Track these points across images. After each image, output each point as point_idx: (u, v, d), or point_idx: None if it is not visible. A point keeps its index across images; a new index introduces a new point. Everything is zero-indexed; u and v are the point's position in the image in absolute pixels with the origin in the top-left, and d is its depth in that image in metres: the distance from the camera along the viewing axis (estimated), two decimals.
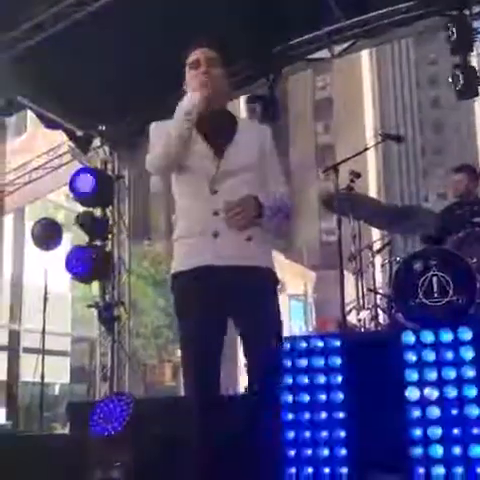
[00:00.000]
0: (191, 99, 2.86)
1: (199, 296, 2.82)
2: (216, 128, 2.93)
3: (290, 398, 4.72)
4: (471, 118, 76.13)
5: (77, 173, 8.34)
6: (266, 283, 2.95)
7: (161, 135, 2.92)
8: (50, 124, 8.45)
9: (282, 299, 30.44)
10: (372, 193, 42.17)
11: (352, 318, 5.93)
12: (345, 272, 5.54)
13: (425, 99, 73.93)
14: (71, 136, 8.73)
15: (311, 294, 37.02)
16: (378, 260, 6.31)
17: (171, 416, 5.71)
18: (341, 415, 4.58)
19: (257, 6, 6.49)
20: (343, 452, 4.53)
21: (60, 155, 9.16)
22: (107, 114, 8.41)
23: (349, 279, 6.11)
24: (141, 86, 7.46)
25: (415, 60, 75.31)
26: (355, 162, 5.65)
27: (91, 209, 8.55)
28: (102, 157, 8.86)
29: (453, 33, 6.78)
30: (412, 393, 4.38)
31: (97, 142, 8.87)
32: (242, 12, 6.54)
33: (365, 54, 49.01)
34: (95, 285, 8.81)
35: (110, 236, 8.68)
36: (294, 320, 34.62)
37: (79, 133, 8.69)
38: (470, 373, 4.31)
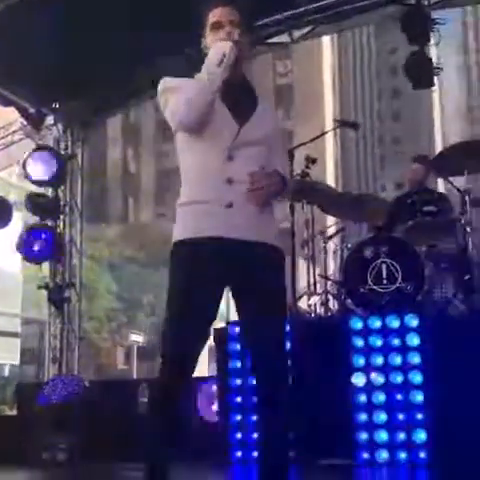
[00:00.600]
0: (220, 48, 2.63)
1: (204, 265, 2.62)
2: (240, 97, 2.76)
3: (238, 381, 4.75)
4: (430, 108, 77.01)
5: (30, 152, 8.19)
6: (275, 260, 2.75)
7: (183, 86, 2.69)
8: (2, 101, 8.25)
9: None
10: (330, 181, 42.39)
11: (303, 303, 5.96)
12: (298, 258, 5.56)
13: (385, 88, 74.44)
14: (23, 113, 8.53)
15: None
16: (331, 247, 6.33)
17: (119, 398, 5.70)
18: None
19: None
20: (290, 436, 4.57)
21: (12, 133, 8.95)
22: (61, 91, 8.26)
23: (302, 265, 6.14)
24: (95, 64, 7.34)
25: (376, 49, 75.74)
26: (313, 149, 5.64)
27: (43, 189, 8.40)
28: (55, 135, 8.69)
29: (411, 23, 6.80)
30: (359, 378, 4.43)
31: (50, 120, 8.70)
32: None
33: (326, 42, 49.09)
34: (46, 266, 8.68)
35: (62, 216, 8.55)
36: None
37: (32, 110, 8.50)
38: (416, 359, 4.38)
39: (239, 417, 4.69)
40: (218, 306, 2.74)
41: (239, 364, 4.71)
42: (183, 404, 2.76)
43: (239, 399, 4.69)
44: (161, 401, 2.69)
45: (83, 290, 9.13)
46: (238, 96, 2.76)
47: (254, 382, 2.74)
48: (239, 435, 4.66)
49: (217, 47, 2.65)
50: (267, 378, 2.65)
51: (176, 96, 2.69)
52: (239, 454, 4.62)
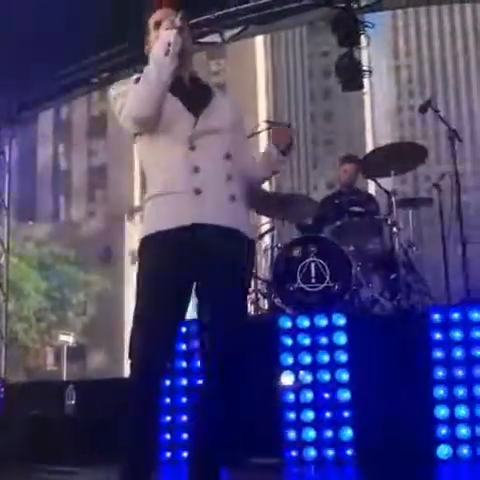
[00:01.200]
0: (165, 37, 2.58)
1: (174, 256, 2.58)
2: (192, 90, 2.76)
3: (168, 382, 4.71)
4: (361, 110, 78.40)
5: None
6: (244, 250, 2.69)
7: (134, 86, 2.66)
8: None
9: (134, 269, 30.09)
10: None
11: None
12: None
13: (317, 90, 75.44)
14: None
15: None
16: (261, 246, 6.36)
17: (45, 399, 5.59)
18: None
19: None
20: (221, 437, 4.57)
21: None
22: None
23: None
24: (26, 60, 7.18)
25: (308, 51, 76.64)
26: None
27: None
28: None
29: (341, 25, 6.90)
30: (287, 377, 4.46)
31: None
32: None
33: (259, 42, 49.38)
34: None
35: None
36: None
37: None
38: (343, 358, 4.44)
39: (168, 418, 4.66)
40: (188, 300, 2.67)
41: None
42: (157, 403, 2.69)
43: (168, 400, 4.66)
44: (134, 401, 2.59)
45: (10, 290, 8.93)
46: (190, 89, 2.75)
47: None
48: (168, 436, 4.63)
49: (162, 36, 2.60)
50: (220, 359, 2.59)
51: (128, 97, 2.65)
52: (168, 455, 4.60)
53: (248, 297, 2.82)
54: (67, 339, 24.10)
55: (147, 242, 2.67)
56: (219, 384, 2.63)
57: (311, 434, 4.38)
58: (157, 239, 2.63)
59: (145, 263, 2.68)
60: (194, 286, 2.67)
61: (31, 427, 5.01)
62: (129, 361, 2.64)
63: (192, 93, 2.75)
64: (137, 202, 42.93)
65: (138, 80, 2.67)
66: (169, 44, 2.56)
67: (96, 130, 47.02)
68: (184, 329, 4.60)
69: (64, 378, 20.77)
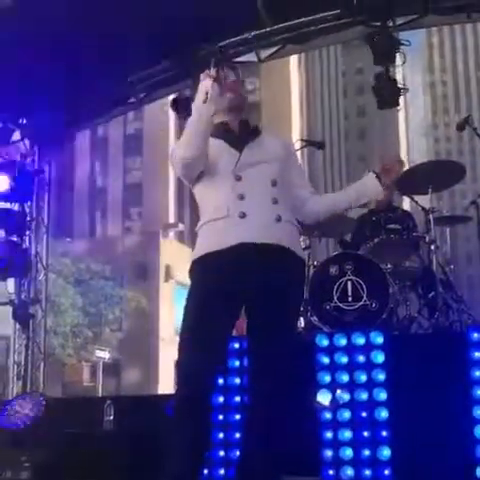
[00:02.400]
0: (202, 87, 2.86)
1: (223, 277, 2.76)
2: (238, 134, 3.02)
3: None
4: (395, 126, 78.04)
5: None
6: (292, 267, 2.86)
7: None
8: None
9: (169, 286, 29.76)
10: None
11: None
12: None
13: (351, 107, 75.39)
14: None
15: None
16: None
17: (84, 416, 5.64)
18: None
19: (185, 6, 6.48)
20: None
21: None
22: (29, 107, 8.21)
23: None
24: (64, 79, 7.33)
25: (343, 69, 76.68)
26: None
27: (9, 204, 8.33)
28: (22, 151, 8.64)
29: (376, 44, 6.92)
30: (323, 396, 4.45)
31: (17, 135, 8.65)
32: (167, 12, 6.53)
33: (294, 60, 49.52)
34: (11, 282, 8.58)
35: (28, 232, 8.47)
36: (179, 308, 34.70)
37: None
38: (381, 376, 4.41)
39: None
40: (238, 316, 2.83)
41: None
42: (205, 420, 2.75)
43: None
44: (184, 417, 2.69)
45: (48, 305, 9.04)
46: (236, 132, 3.03)
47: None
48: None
49: (200, 86, 2.86)
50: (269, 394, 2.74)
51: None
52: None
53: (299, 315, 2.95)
54: (103, 355, 24.27)
55: (196, 264, 2.89)
56: (267, 402, 2.72)
57: (349, 453, 4.35)
58: (206, 260, 2.84)
59: (195, 283, 2.88)
60: (243, 304, 2.83)
61: (71, 443, 5.06)
62: (175, 378, 2.78)
63: (238, 135, 3.01)
64: (171, 219, 43.22)
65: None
66: (207, 92, 2.82)
67: (132, 148, 47.56)
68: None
69: (100, 394, 20.91)
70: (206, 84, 2.85)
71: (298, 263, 2.90)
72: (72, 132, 9.92)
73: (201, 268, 2.85)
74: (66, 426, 5.50)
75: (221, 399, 4.61)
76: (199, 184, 2.98)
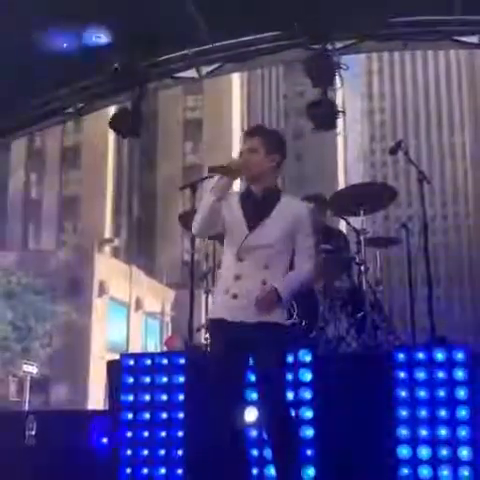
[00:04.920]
0: (216, 181, 3.46)
1: (219, 344, 3.62)
2: (258, 205, 3.58)
3: (130, 416, 4.65)
4: (334, 150, 79.29)
5: None
6: (274, 337, 3.51)
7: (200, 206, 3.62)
8: None
9: (138, 317, 29.64)
10: None
11: (200, 337, 5.93)
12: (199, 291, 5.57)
13: (290, 129, 76.27)
14: None
15: (169, 312, 36.94)
16: None
17: (5, 431, 5.48)
18: (180, 434, 4.57)
19: (125, 19, 6.46)
20: (179, 471, 4.52)
21: None
22: None
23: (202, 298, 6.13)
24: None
25: (284, 90, 77.65)
26: None
27: None
28: None
29: (315, 66, 7.00)
30: (250, 413, 4.43)
31: None
32: (110, 24, 6.50)
33: (236, 79, 49.86)
34: None
35: None
36: (150, 338, 34.36)
37: None
38: (307, 394, 4.43)
39: (129, 452, 4.60)
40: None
41: (131, 398, 4.63)
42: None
43: (130, 434, 4.60)
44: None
45: None
46: (256, 204, 3.59)
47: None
48: (129, 470, 4.56)
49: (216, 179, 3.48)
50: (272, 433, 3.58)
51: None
52: None
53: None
54: (31, 370, 23.70)
55: (209, 324, 3.85)
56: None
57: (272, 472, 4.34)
58: (211, 326, 3.77)
59: (212, 341, 3.87)
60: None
61: None
62: None
63: (257, 207, 3.58)
64: (107, 234, 42.74)
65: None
66: (216, 184, 3.46)
67: (70, 160, 46.92)
68: (149, 362, 4.58)
69: (26, 409, 20.41)
70: (221, 181, 3.44)
71: (276, 329, 3.52)
72: (6, 141, 9.72)
73: (209, 330, 3.87)
74: None
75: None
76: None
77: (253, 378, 3.70)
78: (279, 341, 3.57)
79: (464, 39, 7.07)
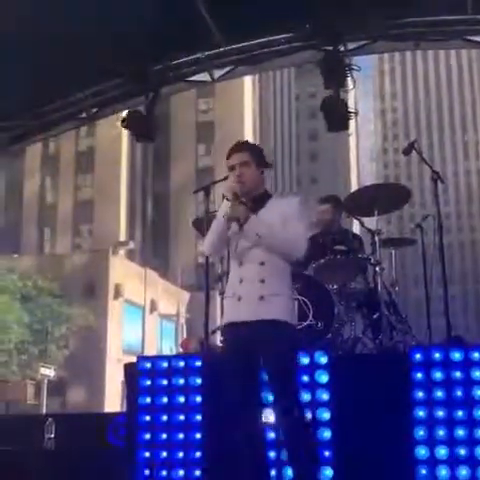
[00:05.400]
0: (221, 216, 3.74)
1: (231, 346, 3.81)
2: (246, 218, 3.70)
3: (148, 418, 4.68)
4: (346, 151, 79.18)
5: None
6: (277, 334, 3.66)
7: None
8: None
9: (153, 319, 29.71)
10: None
11: (216, 339, 5.95)
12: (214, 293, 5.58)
13: (303, 130, 76.23)
14: None
15: (184, 314, 37.01)
16: None
17: (25, 434, 5.53)
18: (198, 435, 4.59)
19: (136, 23, 6.49)
20: (198, 473, 4.53)
21: None
22: None
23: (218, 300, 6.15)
24: (13, 93, 7.25)
25: (296, 92, 77.57)
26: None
27: None
28: None
29: (327, 67, 7.01)
30: (268, 415, 4.44)
31: None
32: (119, 28, 6.54)
33: (248, 81, 49.89)
34: None
35: None
36: (165, 340, 34.43)
37: None
38: (325, 396, 4.44)
39: (148, 454, 4.62)
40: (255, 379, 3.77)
41: (149, 400, 4.66)
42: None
43: (148, 436, 4.62)
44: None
45: None
46: (247, 215, 3.71)
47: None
48: (147, 472, 4.58)
49: (222, 208, 3.78)
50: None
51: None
52: None
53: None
54: (48, 372, 23.82)
55: (221, 331, 4.07)
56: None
57: (289, 473, 4.35)
58: (223, 330, 3.94)
59: (224, 346, 4.06)
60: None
61: (9, 461, 4.94)
62: None
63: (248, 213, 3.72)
64: (122, 237, 42.89)
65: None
66: (224, 218, 3.72)
67: (83, 165, 47.15)
68: (165, 364, 4.61)
69: (44, 412, 20.51)
70: (225, 218, 3.70)
71: (278, 326, 3.66)
72: (21, 146, 9.79)
73: (222, 335, 4.02)
74: (6, 443, 5.39)
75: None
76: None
77: (266, 377, 3.76)
78: (282, 338, 3.68)
79: (476, 38, 7.06)
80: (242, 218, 3.70)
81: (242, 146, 3.98)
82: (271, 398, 3.82)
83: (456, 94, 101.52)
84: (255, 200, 3.84)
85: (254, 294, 3.72)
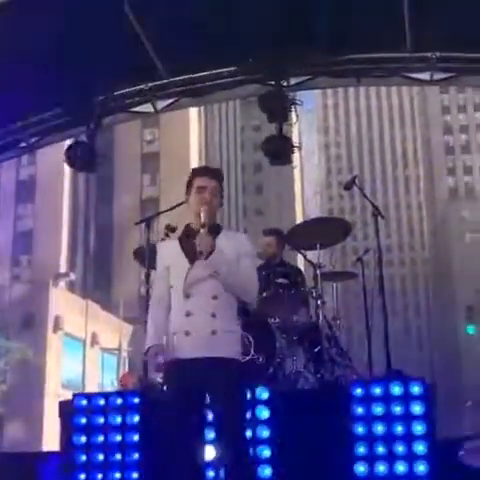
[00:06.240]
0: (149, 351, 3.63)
1: (176, 384, 3.58)
2: (194, 244, 3.54)
3: (83, 457, 4.53)
4: (291, 184, 79.99)
5: None
6: (228, 373, 3.50)
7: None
8: None
9: (94, 352, 29.07)
10: None
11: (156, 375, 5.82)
12: None
13: (249, 162, 76.82)
14: None
15: (126, 347, 36.43)
16: None
17: None
18: (135, 475, 4.46)
19: (78, 54, 6.43)
20: None
21: None
22: None
23: None
24: None
25: (241, 124, 78.31)
26: (176, 216, 5.63)
27: None
28: None
29: (270, 102, 7.07)
30: (209, 452, 4.35)
31: None
32: (62, 59, 6.48)
33: (194, 112, 50.13)
34: None
35: None
36: (107, 374, 33.78)
37: None
38: (265, 433, 4.37)
39: None
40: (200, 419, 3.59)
41: (84, 439, 4.51)
42: None
43: (83, 476, 4.47)
44: None
45: None
46: (194, 244, 3.52)
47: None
48: None
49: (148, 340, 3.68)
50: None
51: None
52: None
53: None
54: None
55: (165, 368, 3.65)
56: None
57: None
58: (167, 368, 3.61)
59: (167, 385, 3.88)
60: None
61: None
62: None
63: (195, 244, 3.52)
64: (63, 268, 42.15)
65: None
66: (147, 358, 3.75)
67: (24, 194, 46.37)
68: (102, 402, 4.46)
69: None
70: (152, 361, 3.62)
71: (228, 364, 3.51)
72: None
73: (166, 371, 3.66)
74: None
75: None
76: None
77: (210, 416, 3.65)
78: (233, 377, 3.53)
79: (415, 75, 7.22)
80: (207, 249, 3.52)
81: (217, 173, 3.87)
82: (213, 435, 3.75)
83: (398, 130, 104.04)
84: (210, 230, 3.66)
85: (205, 328, 3.53)
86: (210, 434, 3.89)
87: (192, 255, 3.57)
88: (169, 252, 3.75)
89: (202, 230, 3.56)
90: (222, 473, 3.83)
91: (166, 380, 3.85)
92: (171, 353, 3.60)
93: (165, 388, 3.90)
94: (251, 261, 3.74)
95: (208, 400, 3.57)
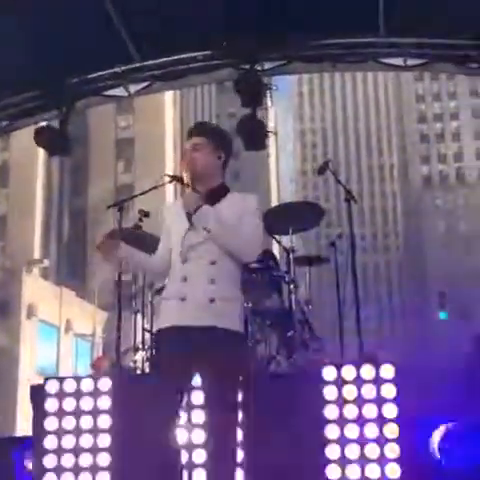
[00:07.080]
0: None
1: (169, 351, 3.30)
2: (197, 207, 3.32)
3: (55, 442, 4.51)
4: (266, 171, 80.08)
5: None
6: (224, 342, 3.27)
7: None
8: None
9: (68, 339, 28.95)
10: None
11: (129, 359, 5.82)
12: (128, 312, 5.47)
13: None
14: None
15: (100, 334, 36.32)
16: (159, 301, 6.26)
17: None
18: (107, 459, 4.45)
19: (50, 38, 6.35)
20: None
21: None
22: None
23: (131, 320, 6.03)
24: None
25: (216, 111, 78.10)
26: (151, 202, 5.61)
27: None
28: None
29: (244, 86, 7.05)
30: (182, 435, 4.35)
31: None
32: (34, 42, 6.39)
33: (169, 98, 49.85)
34: None
35: None
36: (80, 361, 33.68)
37: None
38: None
39: (55, 479, 4.44)
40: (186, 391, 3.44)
41: (55, 423, 4.48)
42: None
43: (55, 460, 4.44)
44: None
45: None
46: (198, 204, 3.32)
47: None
48: None
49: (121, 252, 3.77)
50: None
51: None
52: None
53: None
54: None
55: (155, 336, 3.60)
56: None
57: None
58: (158, 335, 3.44)
59: (156, 353, 3.77)
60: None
61: None
62: None
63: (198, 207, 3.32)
64: (36, 255, 41.83)
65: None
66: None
67: None
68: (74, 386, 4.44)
69: None
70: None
71: (225, 335, 3.28)
72: None
73: (156, 340, 3.56)
74: None
75: None
76: None
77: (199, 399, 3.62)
78: (230, 354, 3.28)
79: (389, 61, 7.25)
80: (192, 207, 3.31)
81: (202, 128, 3.62)
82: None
83: (373, 118, 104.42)
84: (212, 192, 3.43)
85: (202, 296, 3.29)
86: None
87: (190, 218, 3.38)
88: (171, 214, 3.57)
89: (188, 190, 3.39)
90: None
91: (156, 348, 3.74)
92: (165, 319, 3.37)
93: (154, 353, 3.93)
94: (251, 218, 3.44)
95: (197, 376, 3.40)
